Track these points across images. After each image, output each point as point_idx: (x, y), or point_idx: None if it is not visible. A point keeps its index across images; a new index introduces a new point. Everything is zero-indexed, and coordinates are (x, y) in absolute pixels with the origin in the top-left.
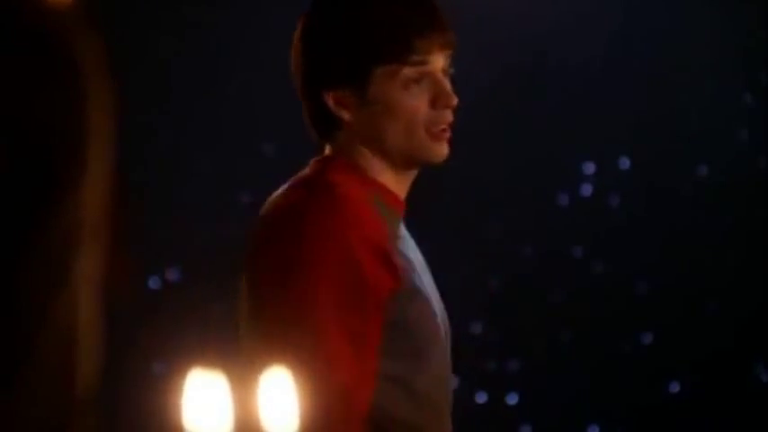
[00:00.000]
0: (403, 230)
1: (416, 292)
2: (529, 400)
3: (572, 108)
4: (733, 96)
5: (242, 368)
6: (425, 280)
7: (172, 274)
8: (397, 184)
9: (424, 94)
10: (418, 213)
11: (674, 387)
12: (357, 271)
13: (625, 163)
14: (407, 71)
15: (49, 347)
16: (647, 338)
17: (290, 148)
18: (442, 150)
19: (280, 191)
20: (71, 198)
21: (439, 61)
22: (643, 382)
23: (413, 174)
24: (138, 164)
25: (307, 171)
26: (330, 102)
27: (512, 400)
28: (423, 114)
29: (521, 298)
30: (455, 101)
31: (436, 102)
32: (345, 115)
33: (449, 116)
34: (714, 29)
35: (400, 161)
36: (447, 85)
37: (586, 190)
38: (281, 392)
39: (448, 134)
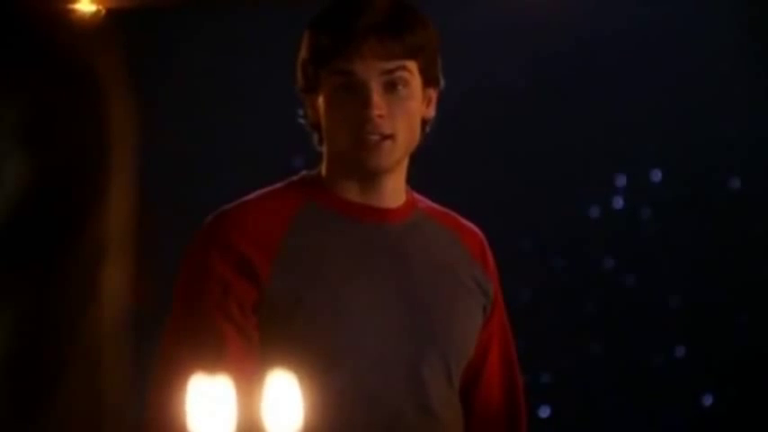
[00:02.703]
0: (363, 236)
1: (294, 307)
2: (561, 414)
3: (603, 120)
4: (767, 108)
5: (249, 374)
6: (366, 292)
7: None
8: (363, 190)
9: (349, 103)
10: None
11: (708, 400)
12: (208, 279)
13: (657, 175)
14: (336, 78)
15: (77, 363)
16: (680, 351)
17: (319, 162)
18: (372, 160)
19: None
20: (96, 213)
21: (368, 69)
22: (676, 396)
23: (380, 183)
24: (169, 178)
25: None
26: (306, 106)
27: (544, 413)
28: (344, 122)
29: (552, 311)
30: (371, 112)
31: (357, 111)
32: (314, 118)
33: (372, 126)
34: (747, 39)
35: (347, 168)
36: (369, 94)
37: (618, 202)
38: (284, 396)
39: (381, 144)
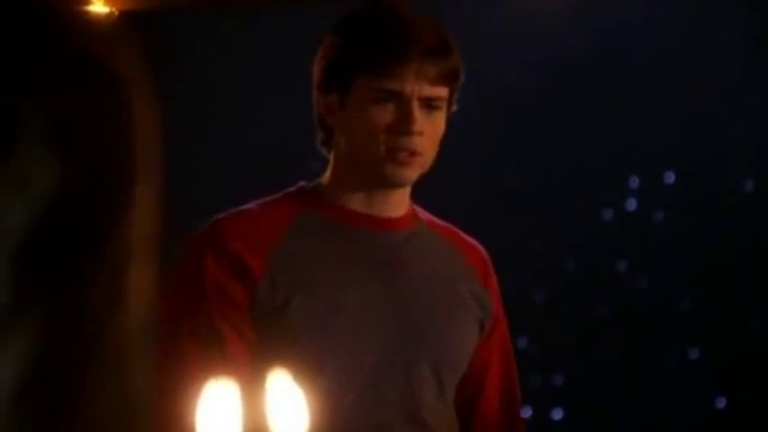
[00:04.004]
0: (361, 243)
1: (283, 309)
2: (574, 416)
3: (616, 122)
4: None
5: (249, 374)
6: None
7: None
8: (369, 200)
9: (388, 114)
10: (462, 228)
11: (721, 402)
12: (204, 282)
13: (670, 177)
14: (379, 88)
15: (103, 368)
16: (693, 353)
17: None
18: (399, 174)
19: None
20: (124, 215)
21: (415, 88)
22: (689, 398)
23: (389, 194)
24: (186, 180)
25: None
26: (320, 105)
27: (557, 415)
28: (382, 132)
29: (565, 313)
30: (413, 127)
31: (396, 124)
32: (330, 120)
33: (408, 142)
34: (761, 41)
35: (365, 175)
36: (412, 111)
37: (631, 204)
38: (289, 400)
39: (411, 160)
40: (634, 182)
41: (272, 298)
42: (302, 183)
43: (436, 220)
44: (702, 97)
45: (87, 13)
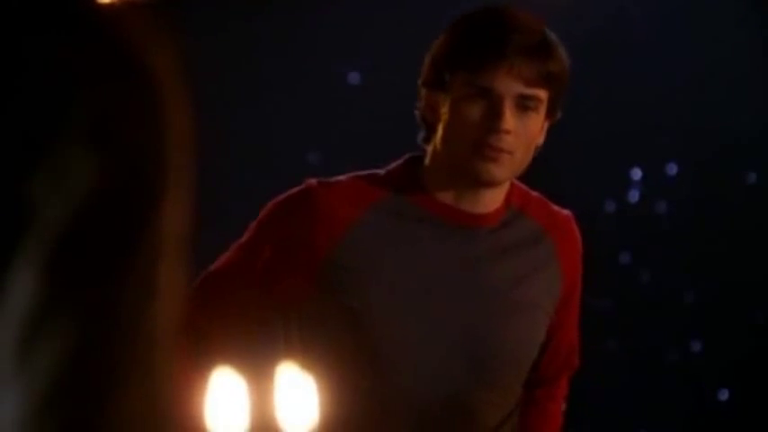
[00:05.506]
0: (440, 237)
1: (338, 303)
2: (577, 408)
3: (619, 114)
4: None
5: (263, 368)
6: (418, 293)
7: None
8: (459, 196)
9: (477, 111)
10: None
11: (723, 394)
12: (267, 237)
13: (672, 169)
14: (472, 83)
15: (135, 366)
16: (696, 346)
17: (334, 158)
18: (486, 170)
19: None
20: (156, 212)
21: (509, 88)
22: (692, 390)
23: (479, 192)
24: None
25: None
26: (422, 101)
27: None
28: (469, 129)
29: None
30: (502, 124)
31: (485, 121)
32: (430, 116)
33: (497, 140)
34: (764, 33)
35: (453, 172)
36: (503, 108)
37: (633, 196)
38: (296, 391)
39: (499, 156)
40: (636, 173)
41: (336, 280)
42: (409, 155)
43: (528, 194)
44: (705, 88)
45: (124, 8)
